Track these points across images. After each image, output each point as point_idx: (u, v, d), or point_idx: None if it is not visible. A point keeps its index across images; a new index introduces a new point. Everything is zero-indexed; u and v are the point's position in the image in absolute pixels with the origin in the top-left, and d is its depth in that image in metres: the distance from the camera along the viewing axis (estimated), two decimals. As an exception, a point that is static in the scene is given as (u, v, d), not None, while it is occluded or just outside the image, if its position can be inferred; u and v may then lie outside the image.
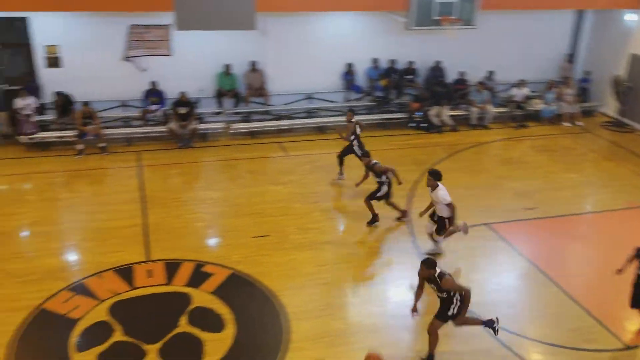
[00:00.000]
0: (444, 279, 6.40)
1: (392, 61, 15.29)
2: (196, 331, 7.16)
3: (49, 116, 13.19)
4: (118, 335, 7.02)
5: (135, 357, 6.71)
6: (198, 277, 8.20)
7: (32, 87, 13.06)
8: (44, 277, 8.16)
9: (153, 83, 13.64)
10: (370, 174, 9.90)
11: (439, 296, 6.58)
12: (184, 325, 7.26)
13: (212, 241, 9.75)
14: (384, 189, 9.69)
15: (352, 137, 11.34)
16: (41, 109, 13.12)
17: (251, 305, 7.73)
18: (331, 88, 15.18)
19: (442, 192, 8.31)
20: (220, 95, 14.29)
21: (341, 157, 11.53)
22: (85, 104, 12.70)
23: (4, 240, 9.18)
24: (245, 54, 14.17)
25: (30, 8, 12.08)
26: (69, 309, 7.42)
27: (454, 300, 6.51)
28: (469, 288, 6.54)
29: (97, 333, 7.04)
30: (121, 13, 12.67)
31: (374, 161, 9.79)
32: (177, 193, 11.14)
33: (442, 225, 8.62)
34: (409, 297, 7.14)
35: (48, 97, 13.30)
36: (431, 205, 8.71)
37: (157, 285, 8.05)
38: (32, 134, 12.63)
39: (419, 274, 6.56)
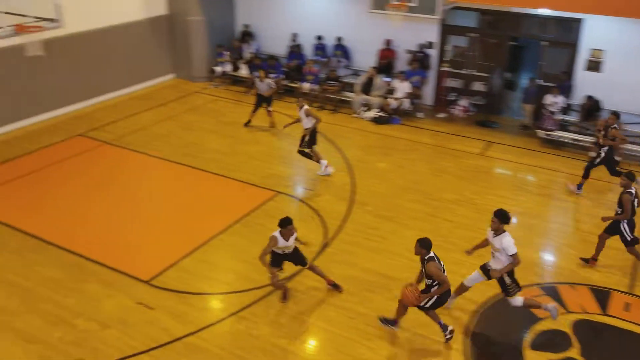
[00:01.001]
0: (429, 264, 6.30)
1: None
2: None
3: (572, 117, 13.24)
4: (574, 353, 6.70)
5: (585, 383, 6.29)
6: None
7: (564, 87, 13.30)
8: (520, 266, 8.39)
9: None
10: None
11: (425, 281, 6.56)
12: (649, 381, 6.35)
13: None
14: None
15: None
16: (566, 109, 13.29)
17: None
18: None
19: (508, 240, 6.67)
20: None
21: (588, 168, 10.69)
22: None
23: (487, 218, 9.83)
24: None
25: (592, 11, 12.16)
26: (536, 306, 7.45)
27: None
28: (448, 284, 6.41)
29: (554, 340, 6.91)
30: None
31: (632, 190, 7.86)
32: None
33: (503, 284, 6.95)
34: None
35: (577, 99, 13.33)
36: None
37: (633, 322, 7.22)
38: (551, 131, 12.99)
39: (415, 252, 6.47)
